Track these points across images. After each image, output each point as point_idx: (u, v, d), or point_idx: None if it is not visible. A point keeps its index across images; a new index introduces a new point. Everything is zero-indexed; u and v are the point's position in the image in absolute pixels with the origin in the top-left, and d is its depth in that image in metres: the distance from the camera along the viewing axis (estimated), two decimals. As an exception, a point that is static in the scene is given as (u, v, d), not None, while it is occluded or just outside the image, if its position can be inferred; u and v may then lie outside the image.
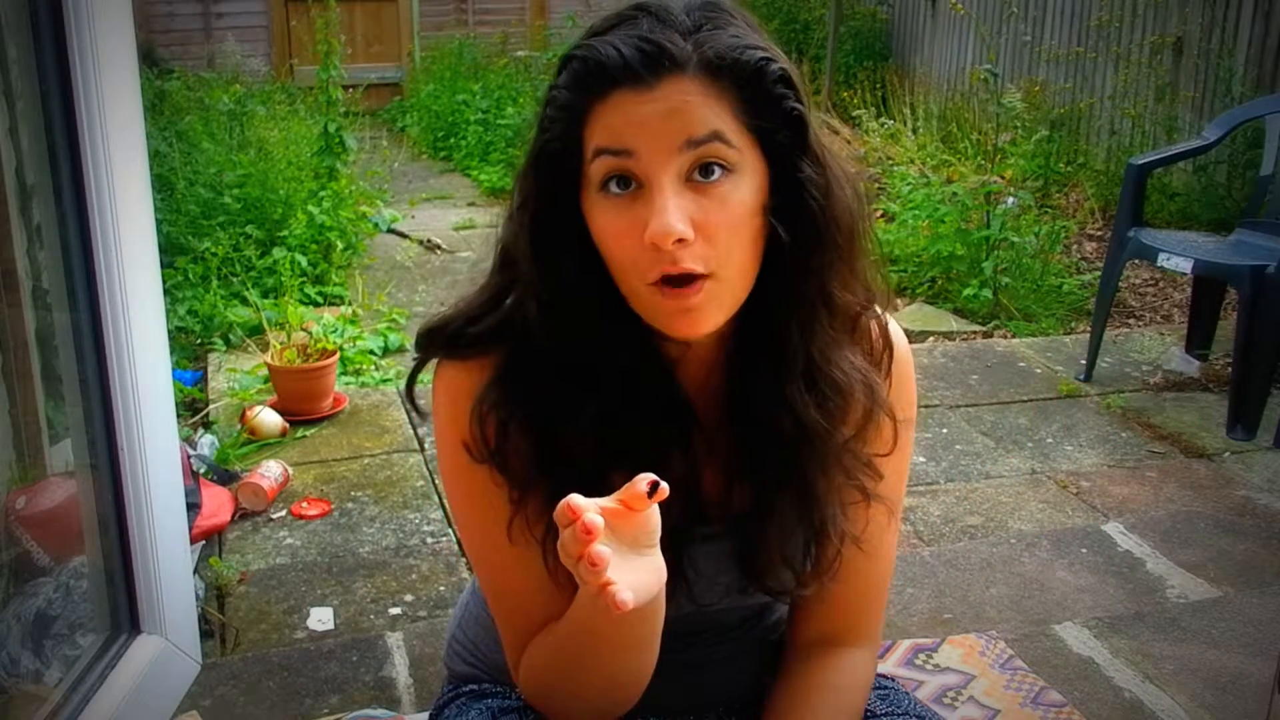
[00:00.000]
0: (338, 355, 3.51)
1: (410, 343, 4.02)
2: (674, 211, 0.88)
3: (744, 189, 0.92)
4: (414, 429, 3.29)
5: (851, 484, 1.04)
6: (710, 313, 0.93)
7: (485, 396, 1.00)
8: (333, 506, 2.84)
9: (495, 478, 1.01)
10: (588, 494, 0.84)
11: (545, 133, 0.94)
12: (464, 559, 2.56)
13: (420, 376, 1.10)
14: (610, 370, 0.98)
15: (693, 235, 0.89)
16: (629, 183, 0.91)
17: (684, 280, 0.91)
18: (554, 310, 0.97)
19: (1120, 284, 4.26)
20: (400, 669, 2.19)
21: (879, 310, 1.06)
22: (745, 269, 0.94)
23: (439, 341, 1.05)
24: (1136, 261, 4.35)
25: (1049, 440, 3.31)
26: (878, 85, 7.50)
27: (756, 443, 1.02)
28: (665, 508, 0.86)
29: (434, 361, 1.06)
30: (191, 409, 3.43)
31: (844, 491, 1.03)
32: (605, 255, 0.94)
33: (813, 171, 0.94)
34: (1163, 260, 3.51)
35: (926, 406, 3.52)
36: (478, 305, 1.04)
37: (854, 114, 6.44)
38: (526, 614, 1.04)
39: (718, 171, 0.91)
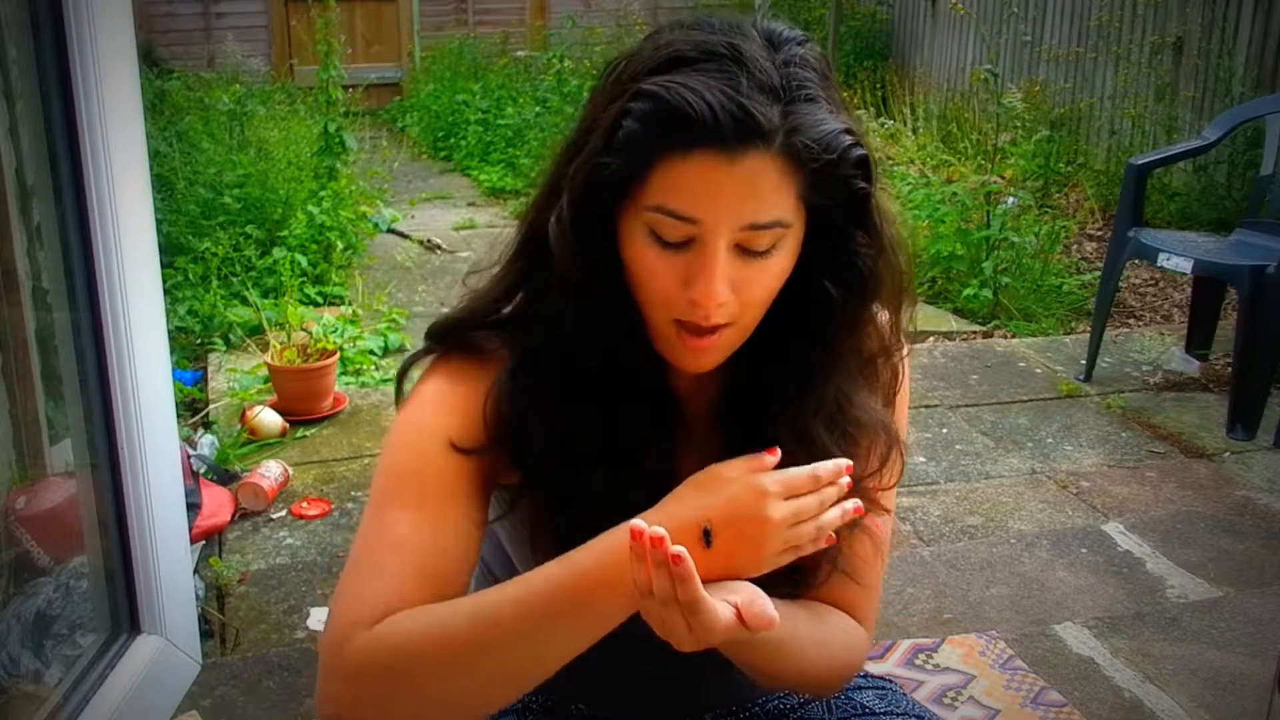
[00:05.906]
0: (338, 355, 3.51)
1: (410, 343, 4.01)
2: (723, 279, 0.90)
3: (785, 256, 0.94)
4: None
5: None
6: (719, 353, 0.96)
7: (501, 381, 0.99)
8: (333, 506, 2.84)
9: (471, 470, 0.96)
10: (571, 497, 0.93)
11: (607, 156, 0.91)
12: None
13: (410, 374, 1.07)
14: (612, 361, 0.98)
15: (732, 299, 0.92)
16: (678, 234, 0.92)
17: (708, 330, 0.93)
18: (584, 304, 0.96)
19: (1120, 284, 4.26)
20: (400, 669, 2.19)
21: (900, 354, 1.07)
22: (759, 316, 0.96)
23: (453, 335, 1.03)
24: (1136, 261, 4.34)
25: (1049, 440, 3.31)
26: (878, 85, 7.50)
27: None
28: (642, 500, 0.89)
29: (429, 358, 1.03)
30: (191, 409, 3.43)
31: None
32: (635, 282, 0.95)
33: (865, 240, 0.96)
34: (1163, 260, 3.51)
35: (926, 406, 3.52)
36: (493, 296, 1.02)
37: (854, 114, 6.43)
38: (405, 578, 0.92)
39: (767, 244, 0.92)
